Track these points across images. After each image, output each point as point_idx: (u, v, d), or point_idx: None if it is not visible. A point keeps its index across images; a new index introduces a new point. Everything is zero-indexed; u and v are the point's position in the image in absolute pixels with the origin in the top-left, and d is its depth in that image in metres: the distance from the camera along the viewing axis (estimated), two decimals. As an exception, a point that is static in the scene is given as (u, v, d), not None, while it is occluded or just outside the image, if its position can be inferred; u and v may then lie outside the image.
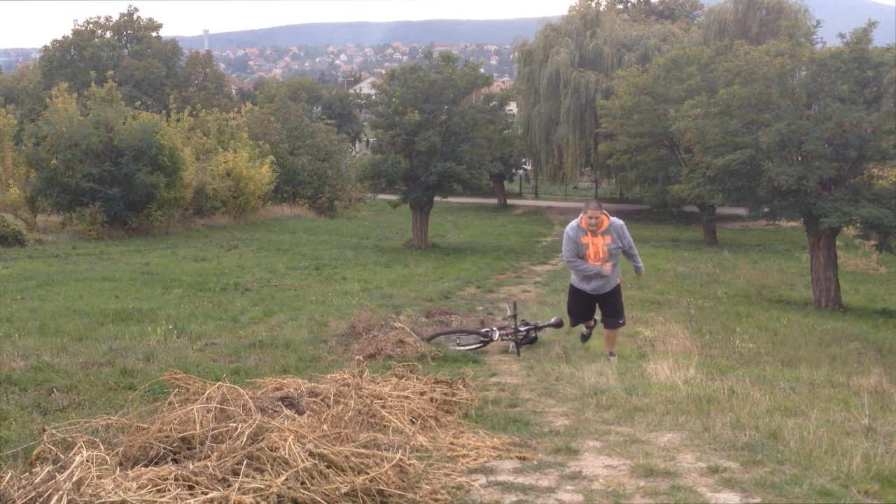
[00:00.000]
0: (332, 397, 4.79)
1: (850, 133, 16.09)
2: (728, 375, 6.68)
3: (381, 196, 35.73)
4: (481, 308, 11.19)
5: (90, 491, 3.02)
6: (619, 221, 7.48)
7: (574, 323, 8.03)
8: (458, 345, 8.18)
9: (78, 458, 3.27)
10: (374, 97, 25.40)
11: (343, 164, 36.50)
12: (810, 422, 5.03)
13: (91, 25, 47.03)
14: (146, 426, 3.84)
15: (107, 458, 3.46)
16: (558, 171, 37.54)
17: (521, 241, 24.96)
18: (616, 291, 7.65)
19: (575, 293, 7.74)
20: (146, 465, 3.46)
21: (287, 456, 3.42)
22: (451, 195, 25.60)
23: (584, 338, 8.28)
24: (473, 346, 8.20)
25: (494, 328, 8.47)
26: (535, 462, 4.27)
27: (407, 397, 5.18)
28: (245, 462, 3.34)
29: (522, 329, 8.36)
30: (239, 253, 19.23)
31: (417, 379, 5.77)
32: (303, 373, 6.34)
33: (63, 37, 46.29)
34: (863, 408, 5.39)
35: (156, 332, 8.38)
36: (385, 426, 4.61)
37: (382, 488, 3.48)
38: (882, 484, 3.90)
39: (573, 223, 7.51)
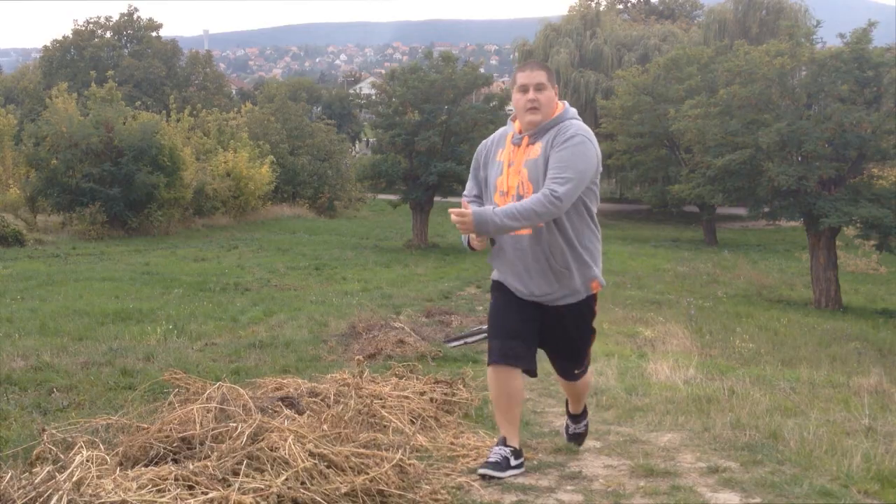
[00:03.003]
0: (332, 397, 4.79)
1: (850, 133, 16.11)
2: (728, 375, 6.68)
3: (381, 196, 35.72)
4: (481, 308, 11.20)
5: (90, 491, 3.02)
6: (582, 128, 3.67)
7: (499, 357, 3.72)
8: (467, 343, 8.20)
9: (78, 458, 3.27)
10: (374, 97, 25.41)
11: (343, 164, 36.51)
12: (810, 422, 5.03)
13: (91, 25, 47.05)
14: (146, 426, 3.84)
15: (107, 458, 3.46)
16: (558, 171, 37.53)
17: (521, 241, 24.91)
18: (583, 310, 3.83)
19: (501, 292, 3.87)
20: (146, 465, 3.46)
21: (287, 456, 3.42)
22: (451, 195, 25.58)
23: (493, 467, 3.82)
24: (479, 339, 8.28)
25: None
26: (535, 462, 4.27)
27: (407, 397, 5.17)
28: (245, 462, 3.34)
29: None
30: (239, 253, 19.23)
31: (417, 379, 5.77)
32: (303, 373, 6.33)
33: (63, 37, 46.33)
34: (863, 408, 5.39)
35: (156, 332, 8.38)
36: (385, 426, 4.61)
37: (382, 488, 3.48)
38: (882, 484, 3.90)
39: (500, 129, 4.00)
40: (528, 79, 3.75)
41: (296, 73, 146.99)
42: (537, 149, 3.65)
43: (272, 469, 3.35)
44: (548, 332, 3.87)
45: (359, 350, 7.48)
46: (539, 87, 3.71)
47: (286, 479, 3.28)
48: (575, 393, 4.28)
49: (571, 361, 4.00)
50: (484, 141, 4.10)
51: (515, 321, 3.78)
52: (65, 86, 28.22)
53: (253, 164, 29.27)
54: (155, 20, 48.05)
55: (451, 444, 4.53)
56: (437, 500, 3.58)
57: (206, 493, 3.12)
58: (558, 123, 3.68)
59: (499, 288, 3.92)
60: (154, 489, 3.11)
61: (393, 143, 21.84)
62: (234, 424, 3.67)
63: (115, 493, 3.02)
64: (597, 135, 3.58)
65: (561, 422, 5.14)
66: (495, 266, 3.95)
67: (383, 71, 54.09)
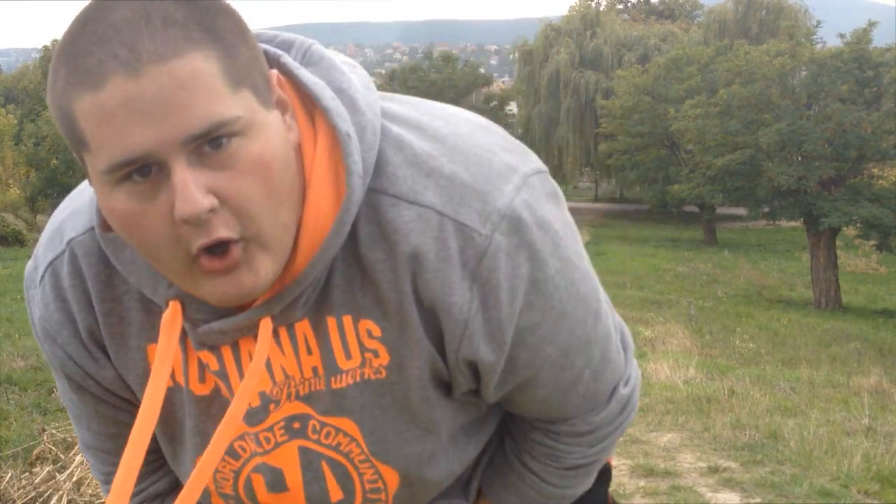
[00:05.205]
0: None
1: (850, 133, 16.13)
2: (728, 375, 6.69)
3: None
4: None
5: (90, 491, 3.02)
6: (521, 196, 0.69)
7: None
8: None
9: (78, 458, 3.27)
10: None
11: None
12: (810, 422, 5.03)
13: (91, 25, 47.10)
14: (146, 426, 3.84)
15: (107, 458, 3.46)
16: (558, 171, 37.54)
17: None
18: None
19: None
20: (146, 465, 3.47)
21: (287, 456, 3.42)
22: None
23: None
24: None
25: None
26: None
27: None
28: (245, 462, 3.34)
29: None
30: (239, 253, 19.25)
31: (417, 379, 5.78)
32: (303, 373, 6.33)
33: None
34: (863, 408, 5.39)
35: (156, 332, 8.38)
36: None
37: (382, 488, 3.47)
38: (882, 484, 3.90)
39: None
40: (133, 104, 0.62)
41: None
42: (378, 355, 0.74)
43: (272, 469, 3.35)
44: None
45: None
46: (217, 128, 0.63)
47: (286, 479, 3.28)
48: None
49: None
50: (34, 307, 0.87)
51: None
52: (65, 86, 28.24)
53: (253, 164, 29.31)
54: (155, 20, 48.11)
55: (451, 444, 4.53)
56: (437, 500, 3.58)
57: (206, 493, 3.12)
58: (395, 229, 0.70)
59: None
60: (154, 489, 3.11)
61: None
62: (234, 424, 3.67)
63: (115, 493, 3.02)
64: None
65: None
66: None
67: (383, 71, 54.12)
